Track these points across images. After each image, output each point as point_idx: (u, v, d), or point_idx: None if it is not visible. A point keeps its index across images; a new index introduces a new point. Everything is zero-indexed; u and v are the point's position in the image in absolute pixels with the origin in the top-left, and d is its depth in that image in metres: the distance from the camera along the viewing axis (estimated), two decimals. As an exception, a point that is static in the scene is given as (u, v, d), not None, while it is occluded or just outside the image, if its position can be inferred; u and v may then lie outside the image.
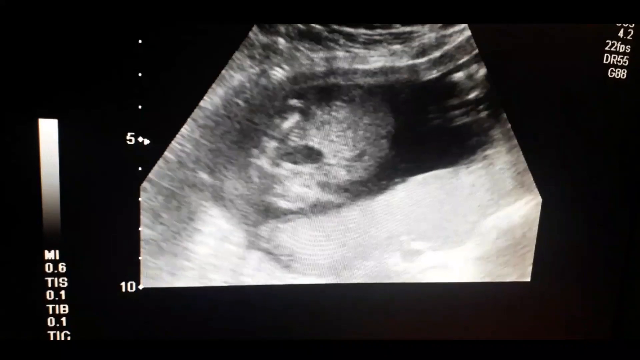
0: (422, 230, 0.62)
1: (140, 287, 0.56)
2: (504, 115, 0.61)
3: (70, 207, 0.52)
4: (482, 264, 0.65)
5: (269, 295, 0.60)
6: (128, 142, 0.53)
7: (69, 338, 0.55)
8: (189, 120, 0.54)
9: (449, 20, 0.57)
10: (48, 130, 0.51)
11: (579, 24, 0.61)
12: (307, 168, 0.58)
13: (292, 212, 0.58)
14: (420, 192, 0.61)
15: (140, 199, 0.54)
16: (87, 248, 0.54)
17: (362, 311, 0.63)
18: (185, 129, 0.54)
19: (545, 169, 0.64)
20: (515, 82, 0.61)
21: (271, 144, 0.56)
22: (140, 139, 0.53)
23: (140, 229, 0.55)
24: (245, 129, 0.55)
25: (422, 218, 0.62)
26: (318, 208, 0.59)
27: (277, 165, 0.57)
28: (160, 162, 0.54)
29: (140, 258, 0.55)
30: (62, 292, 0.54)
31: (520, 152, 0.63)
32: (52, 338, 0.55)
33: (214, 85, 0.54)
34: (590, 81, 0.63)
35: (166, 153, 0.54)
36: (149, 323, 0.57)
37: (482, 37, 0.59)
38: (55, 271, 0.54)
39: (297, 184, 0.58)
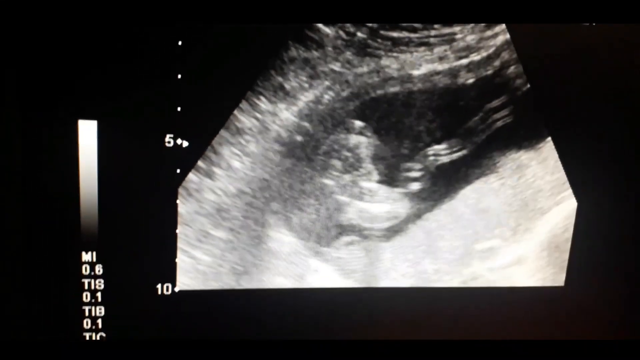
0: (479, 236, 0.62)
1: (177, 289, 0.56)
2: (542, 122, 0.61)
3: (108, 209, 0.52)
4: (518, 269, 0.64)
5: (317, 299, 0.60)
6: (167, 144, 0.53)
7: (104, 340, 0.55)
8: (241, 147, 0.54)
9: (489, 20, 0.56)
10: (87, 131, 0.51)
11: (619, 30, 0.60)
12: (371, 183, 0.58)
13: (361, 228, 0.58)
14: (471, 201, 0.61)
15: (177, 201, 0.54)
16: (124, 250, 0.54)
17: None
18: (237, 158, 0.54)
19: (581, 173, 0.63)
20: (554, 85, 0.60)
21: (336, 163, 0.56)
22: (179, 140, 0.53)
23: (177, 231, 0.54)
24: (303, 150, 0.55)
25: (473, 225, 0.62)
26: (391, 223, 0.59)
27: (344, 184, 0.57)
28: (214, 181, 0.54)
29: (177, 260, 0.55)
30: (99, 294, 0.54)
31: (557, 157, 0.62)
32: (87, 339, 0.55)
33: (269, 109, 0.54)
34: (632, 84, 0.62)
35: (220, 180, 0.54)
36: (185, 325, 0.57)
37: (520, 39, 0.58)
38: (92, 273, 0.54)
39: (364, 200, 0.58)
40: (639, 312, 0.69)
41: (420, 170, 0.59)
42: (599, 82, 0.61)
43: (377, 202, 0.58)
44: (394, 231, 0.60)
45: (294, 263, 0.58)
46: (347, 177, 0.57)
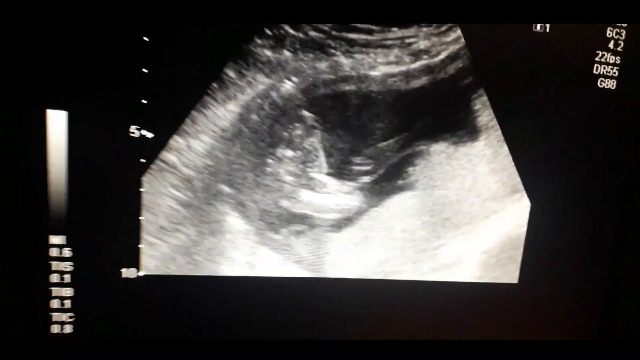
0: (426, 230, 0.65)
1: (140, 273, 0.59)
2: (496, 122, 0.64)
3: (76, 195, 0.55)
4: (473, 267, 0.67)
5: (279, 288, 0.63)
6: (132, 135, 0.55)
7: (72, 320, 0.58)
8: (203, 136, 0.56)
9: (442, 20, 0.59)
10: (57, 121, 0.53)
11: (570, 36, 0.63)
12: (321, 175, 0.60)
13: (309, 216, 0.61)
14: (420, 197, 0.64)
15: (142, 189, 0.56)
16: (91, 235, 0.56)
17: (360, 308, 0.66)
18: (203, 143, 0.57)
19: (533, 174, 0.66)
20: (506, 90, 0.63)
21: (287, 153, 0.59)
22: (143, 132, 0.55)
23: (141, 218, 0.57)
24: (261, 139, 0.58)
25: (421, 222, 0.64)
26: (339, 211, 0.62)
27: (292, 172, 0.59)
28: (176, 175, 0.57)
29: (140, 246, 0.58)
30: (67, 276, 0.57)
31: (510, 158, 0.65)
32: (55, 319, 0.58)
33: (229, 102, 0.56)
34: (580, 91, 0.65)
35: (183, 169, 0.56)
36: (148, 308, 0.59)
37: (475, 46, 0.61)
38: (61, 255, 0.56)
39: (312, 189, 0.60)
40: (590, 309, 0.72)
41: (369, 164, 0.61)
42: (551, 89, 0.64)
43: (326, 193, 0.61)
44: (342, 223, 0.62)
45: (244, 249, 0.60)
46: (298, 168, 0.60)
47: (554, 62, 0.63)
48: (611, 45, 0.64)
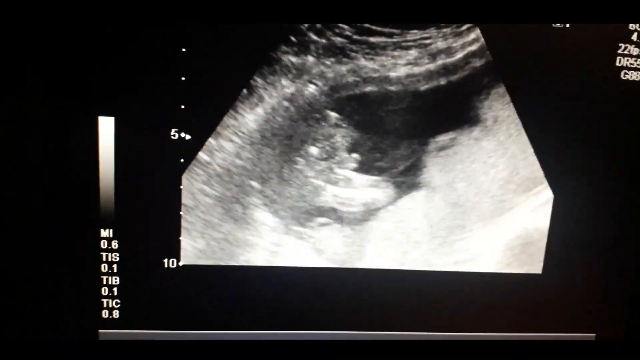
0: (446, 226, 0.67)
1: (181, 263, 0.64)
2: (517, 117, 0.65)
3: (123, 192, 0.61)
4: (496, 258, 0.69)
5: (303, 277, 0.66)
6: (172, 137, 0.61)
7: (119, 306, 0.64)
8: (235, 138, 0.61)
9: (460, 20, 0.61)
10: (106, 126, 0.60)
11: (592, 30, 0.64)
12: (345, 171, 0.64)
13: (334, 210, 0.65)
14: (441, 191, 0.66)
15: (181, 186, 0.62)
16: (136, 228, 0.62)
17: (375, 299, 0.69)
18: (235, 144, 0.62)
19: (557, 167, 0.67)
20: (527, 85, 0.64)
21: (312, 151, 0.63)
22: (182, 134, 0.61)
23: (181, 212, 0.63)
24: (287, 139, 0.63)
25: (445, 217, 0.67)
26: (363, 205, 0.65)
27: (318, 168, 0.64)
28: (211, 173, 0.62)
29: (180, 238, 0.63)
30: (115, 266, 0.63)
31: (532, 151, 0.66)
32: (105, 305, 0.64)
33: (258, 106, 0.61)
34: (604, 84, 0.65)
35: (218, 168, 0.62)
36: (187, 295, 0.65)
37: (494, 43, 0.63)
38: (109, 247, 0.63)
39: (336, 184, 0.64)
40: (617, 302, 0.72)
41: (392, 160, 0.64)
42: (574, 82, 0.65)
43: (351, 188, 0.64)
44: (366, 216, 0.65)
45: (273, 241, 0.65)
46: (323, 164, 0.63)
47: (575, 57, 0.64)
48: (634, 37, 0.65)
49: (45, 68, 0.57)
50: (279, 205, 0.64)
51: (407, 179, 0.65)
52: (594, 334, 0.73)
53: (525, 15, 0.61)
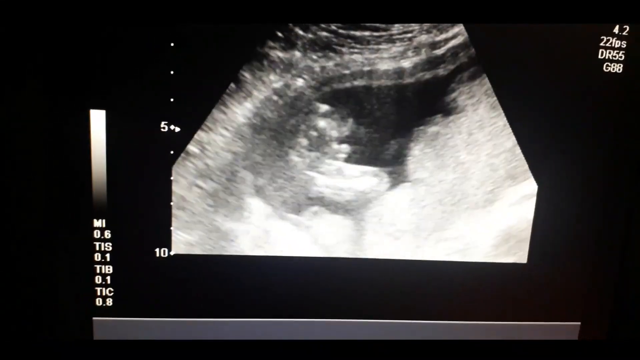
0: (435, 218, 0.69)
1: (172, 253, 0.66)
2: (501, 109, 0.66)
3: (115, 183, 0.63)
4: (483, 248, 0.70)
5: (295, 266, 0.68)
6: (162, 130, 0.62)
7: (112, 294, 0.66)
8: (224, 131, 0.63)
9: (445, 20, 0.63)
10: (97, 119, 0.61)
11: (574, 23, 0.65)
12: (335, 161, 0.66)
13: (324, 200, 0.67)
14: (429, 182, 0.68)
15: (171, 177, 0.64)
16: (128, 218, 0.64)
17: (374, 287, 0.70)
18: (223, 137, 0.63)
19: (540, 158, 0.68)
20: (511, 77, 0.65)
21: (302, 142, 0.64)
22: (172, 126, 0.63)
23: (171, 203, 0.64)
24: (277, 132, 0.64)
25: (433, 208, 0.68)
26: (352, 195, 0.67)
27: (307, 159, 0.65)
28: (201, 165, 0.64)
29: (171, 228, 0.65)
30: (108, 255, 0.65)
31: (516, 143, 0.67)
32: (98, 293, 0.66)
33: (246, 100, 0.63)
34: (586, 76, 0.66)
35: (207, 160, 0.63)
36: (178, 284, 0.66)
37: (477, 37, 0.64)
38: (102, 237, 0.64)
39: (326, 174, 0.66)
40: (601, 291, 0.73)
41: (380, 152, 0.66)
42: (555, 70, 0.66)
43: (340, 177, 0.66)
44: (355, 206, 0.67)
45: (264, 231, 0.66)
46: (313, 155, 0.65)
47: (558, 49, 0.65)
48: (616, 30, 0.66)
49: (38, 63, 0.59)
50: (270, 196, 0.66)
51: (395, 169, 0.67)
52: (578, 323, 0.74)
53: (511, 15, 0.62)
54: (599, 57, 0.66)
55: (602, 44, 0.66)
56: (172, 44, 0.61)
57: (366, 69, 0.64)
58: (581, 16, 0.62)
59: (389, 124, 0.66)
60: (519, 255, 0.71)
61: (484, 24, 0.63)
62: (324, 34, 0.63)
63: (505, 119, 0.67)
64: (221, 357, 0.64)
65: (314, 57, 0.63)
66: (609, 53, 0.66)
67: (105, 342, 0.66)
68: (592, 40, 0.66)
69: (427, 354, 0.66)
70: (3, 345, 0.64)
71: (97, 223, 0.64)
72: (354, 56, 0.63)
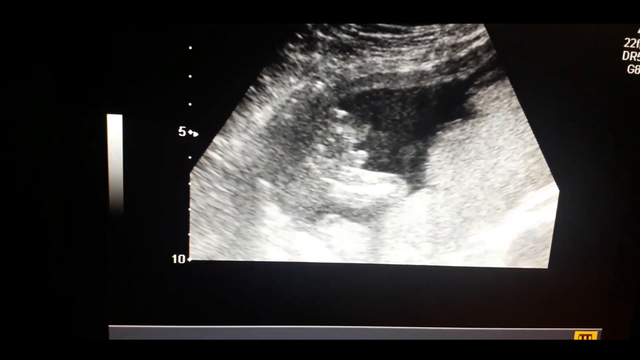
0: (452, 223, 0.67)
1: (189, 259, 0.65)
2: (523, 113, 0.65)
3: (131, 188, 0.62)
4: (503, 253, 0.69)
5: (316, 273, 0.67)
6: (180, 135, 0.61)
7: (128, 301, 0.65)
8: (243, 135, 0.62)
9: (466, 20, 0.62)
10: (114, 124, 0.60)
11: (598, 24, 0.64)
12: (353, 168, 0.65)
13: (342, 207, 0.65)
14: (448, 187, 0.67)
15: (189, 183, 0.63)
16: (145, 224, 0.63)
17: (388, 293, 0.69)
18: (243, 142, 0.62)
19: (562, 162, 0.67)
20: (533, 79, 0.64)
21: (320, 148, 0.63)
22: (190, 131, 0.62)
23: (189, 209, 0.63)
24: (296, 136, 0.63)
25: (454, 211, 0.67)
26: (370, 202, 0.66)
27: (326, 165, 0.64)
28: (219, 170, 0.62)
29: (189, 234, 0.64)
30: (124, 261, 0.64)
31: (538, 146, 0.66)
32: (114, 300, 0.65)
33: (266, 104, 0.62)
34: (609, 78, 0.65)
35: (226, 165, 0.62)
36: (196, 290, 0.65)
37: (499, 39, 0.63)
38: (118, 243, 0.63)
39: (345, 181, 0.65)
40: (620, 295, 0.72)
41: (400, 157, 0.65)
42: (577, 72, 0.65)
43: (358, 184, 0.65)
44: (374, 212, 0.66)
45: (282, 237, 0.65)
46: (330, 161, 0.64)
47: (581, 51, 0.64)
48: (640, 31, 0.65)
49: (54, 66, 0.58)
50: (288, 202, 0.65)
51: (415, 175, 0.66)
52: (600, 329, 0.73)
53: (532, 15, 0.61)
54: (623, 58, 0.65)
55: (625, 45, 0.65)
56: (190, 47, 0.59)
57: (386, 71, 0.63)
58: (604, 16, 0.61)
59: (407, 129, 0.64)
60: (540, 260, 0.70)
61: (505, 24, 0.62)
62: (345, 36, 0.61)
63: (526, 122, 0.66)
64: (231, 357, 0.63)
65: (334, 59, 0.62)
66: (633, 55, 0.65)
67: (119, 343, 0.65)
68: (615, 42, 0.65)
69: (431, 353, 0.66)
70: (17, 347, 0.63)
71: (113, 229, 0.63)
72: (375, 59, 0.62)
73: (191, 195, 0.63)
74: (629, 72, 0.65)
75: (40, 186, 0.61)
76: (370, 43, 0.62)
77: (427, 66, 0.63)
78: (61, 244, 0.62)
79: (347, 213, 0.66)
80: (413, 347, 0.68)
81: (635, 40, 0.65)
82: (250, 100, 0.62)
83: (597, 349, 0.71)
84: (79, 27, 0.57)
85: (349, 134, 0.64)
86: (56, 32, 0.57)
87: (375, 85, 0.63)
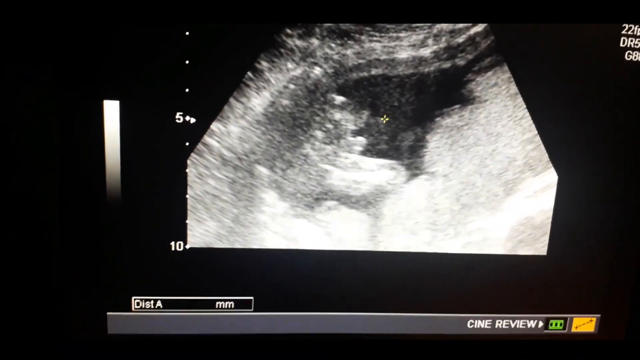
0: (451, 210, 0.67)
1: (187, 246, 0.64)
2: (521, 99, 0.65)
3: (129, 176, 0.61)
4: (502, 240, 0.69)
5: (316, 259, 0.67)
6: (177, 121, 0.61)
7: (127, 289, 0.65)
8: (241, 121, 0.62)
9: (464, 20, 0.62)
10: (111, 110, 0.60)
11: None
12: (352, 154, 0.64)
13: (340, 193, 0.65)
14: (447, 174, 0.66)
15: (187, 170, 0.62)
16: (142, 211, 0.63)
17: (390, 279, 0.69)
18: (241, 128, 0.62)
19: (560, 148, 0.67)
20: (531, 66, 0.64)
21: (318, 134, 0.63)
22: (187, 117, 0.61)
23: (187, 196, 0.63)
24: (294, 123, 0.63)
25: (449, 199, 0.67)
26: (369, 188, 0.66)
27: (324, 152, 0.64)
28: (217, 157, 0.62)
29: (187, 221, 0.64)
30: (122, 249, 0.63)
31: (536, 132, 0.66)
32: (112, 288, 0.65)
33: (263, 90, 0.61)
34: (608, 65, 0.65)
35: (223, 151, 0.62)
36: (194, 278, 0.65)
37: (498, 25, 0.63)
38: (116, 230, 0.63)
39: (343, 168, 0.65)
40: (618, 281, 0.72)
41: (398, 144, 0.65)
42: (575, 58, 0.65)
43: (357, 170, 0.65)
44: (374, 199, 0.66)
45: (280, 224, 0.65)
46: (328, 148, 0.64)
47: (579, 38, 0.64)
48: (639, 18, 0.65)
49: (51, 53, 0.57)
50: (286, 189, 0.64)
51: (413, 161, 0.65)
52: (598, 315, 0.73)
53: (533, 14, 0.61)
54: (621, 45, 0.65)
55: (624, 32, 0.65)
56: (187, 33, 0.59)
57: (384, 57, 0.62)
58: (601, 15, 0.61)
59: (406, 115, 0.64)
60: (539, 247, 0.70)
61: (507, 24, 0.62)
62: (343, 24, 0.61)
63: (525, 108, 0.65)
64: (234, 351, 0.63)
65: (332, 45, 0.61)
66: (631, 41, 0.65)
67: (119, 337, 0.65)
68: (613, 28, 0.65)
69: (432, 352, 0.66)
70: (15, 344, 0.63)
71: (111, 216, 0.62)
72: (373, 44, 0.62)
73: (189, 182, 0.63)
74: (627, 59, 0.65)
75: (37, 174, 0.60)
76: (368, 29, 0.62)
77: (426, 52, 0.63)
78: (58, 232, 0.62)
79: (346, 200, 0.66)
80: (414, 343, 0.68)
81: (633, 26, 0.65)
82: (248, 86, 0.62)
83: (593, 348, 0.71)
84: (75, 14, 0.57)
85: (347, 120, 0.64)
86: (53, 19, 0.57)
87: (374, 71, 0.63)
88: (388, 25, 0.62)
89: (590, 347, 0.73)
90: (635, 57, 0.65)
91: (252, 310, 0.68)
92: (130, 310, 0.65)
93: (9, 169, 0.60)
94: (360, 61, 0.62)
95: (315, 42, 0.61)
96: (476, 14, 0.61)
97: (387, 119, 0.64)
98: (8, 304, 0.63)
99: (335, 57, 0.62)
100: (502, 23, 0.62)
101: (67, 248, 0.63)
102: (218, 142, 0.62)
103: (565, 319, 0.73)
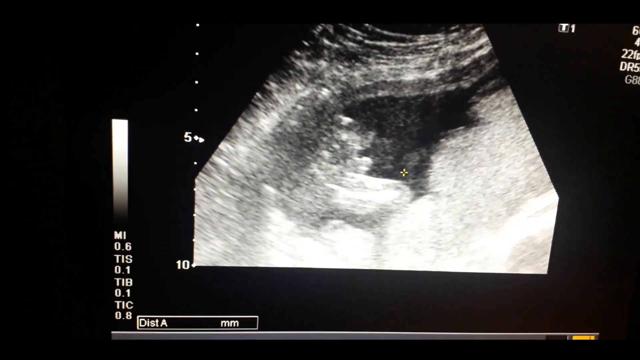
0: (452, 229, 0.68)
1: (194, 265, 0.64)
2: (524, 121, 0.66)
3: (136, 194, 0.61)
4: (503, 259, 0.70)
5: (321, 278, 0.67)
6: (185, 140, 0.61)
7: (132, 307, 0.64)
8: (249, 141, 0.62)
9: (464, 20, 0.62)
10: (120, 129, 0.60)
11: (596, 36, 0.65)
12: (358, 174, 0.65)
13: (346, 213, 0.66)
14: (450, 195, 0.67)
15: (195, 188, 0.62)
16: (149, 230, 0.63)
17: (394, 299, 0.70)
18: (249, 148, 0.62)
19: (561, 170, 0.68)
20: (533, 89, 0.65)
21: (325, 154, 0.64)
22: (196, 137, 0.61)
23: (194, 214, 0.63)
24: (301, 143, 0.63)
25: (452, 220, 0.68)
26: (374, 208, 0.66)
27: (331, 172, 0.64)
28: (225, 176, 0.62)
29: (194, 240, 0.64)
30: (128, 268, 0.63)
31: (538, 154, 0.67)
32: (118, 307, 0.64)
33: (272, 110, 0.62)
34: (608, 88, 0.67)
35: (231, 171, 0.62)
36: (201, 297, 0.65)
37: (502, 48, 0.64)
38: (123, 249, 0.63)
39: (349, 187, 0.65)
40: (617, 300, 0.73)
41: (403, 164, 0.65)
42: (576, 82, 0.66)
43: (362, 190, 0.65)
44: (379, 219, 0.66)
45: (287, 243, 0.65)
46: (335, 168, 0.64)
47: (580, 62, 0.65)
48: (638, 42, 0.66)
49: (60, 71, 0.57)
50: (293, 208, 0.65)
51: (418, 181, 0.66)
52: (596, 333, 0.74)
53: (531, 15, 0.62)
54: (621, 69, 0.67)
55: (623, 56, 0.66)
56: (196, 53, 0.60)
57: (391, 79, 0.63)
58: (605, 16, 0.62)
59: (411, 136, 0.65)
60: (540, 266, 0.71)
61: (504, 25, 0.63)
62: (351, 44, 0.62)
63: (527, 130, 0.67)
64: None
65: (340, 67, 0.62)
66: (630, 65, 0.67)
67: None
68: (613, 53, 0.66)
69: (432, 354, 0.66)
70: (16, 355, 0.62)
71: (118, 235, 0.62)
72: (380, 66, 0.63)
73: (196, 201, 0.63)
74: (627, 82, 0.67)
75: (45, 191, 0.60)
76: (375, 51, 0.62)
77: (431, 74, 0.64)
78: (65, 249, 0.61)
79: (351, 219, 0.66)
80: (414, 348, 0.68)
81: (632, 51, 0.66)
82: (256, 106, 0.62)
83: (594, 349, 0.72)
84: (84, 34, 0.57)
85: (354, 140, 0.64)
86: (62, 36, 0.57)
87: (380, 93, 0.64)
88: (395, 48, 0.63)
89: (590, 347, 0.73)
90: (634, 81, 0.67)
91: (256, 329, 0.68)
92: (135, 329, 0.65)
93: (18, 186, 0.59)
94: (367, 83, 0.63)
95: (323, 63, 0.62)
96: (476, 14, 0.61)
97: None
98: (13, 329, 0.62)
99: (343, 78, 0.63)
100: (497, 23, 0.63)
101: (73, 266, 0.62)
102: (226, 161, 0.63)
103: (565, 337, 0.74)
